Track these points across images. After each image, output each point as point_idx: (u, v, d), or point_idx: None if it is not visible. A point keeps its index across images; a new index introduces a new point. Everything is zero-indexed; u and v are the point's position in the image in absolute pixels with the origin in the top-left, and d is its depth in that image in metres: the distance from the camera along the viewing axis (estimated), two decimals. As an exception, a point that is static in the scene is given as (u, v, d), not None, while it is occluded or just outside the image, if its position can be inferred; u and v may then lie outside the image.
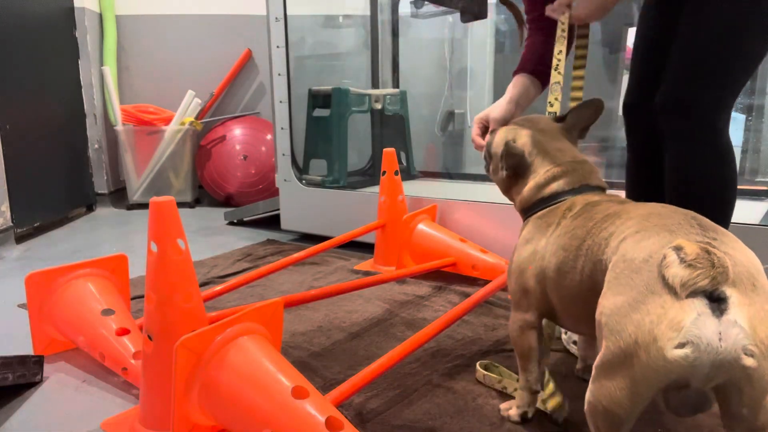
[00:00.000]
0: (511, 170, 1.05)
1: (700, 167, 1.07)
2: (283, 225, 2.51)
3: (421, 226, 1.93)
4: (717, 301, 0.62)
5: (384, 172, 2.00)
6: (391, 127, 2.81)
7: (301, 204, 2.43)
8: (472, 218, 1.70)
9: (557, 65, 1.15)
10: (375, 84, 2.98)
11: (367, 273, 1.95)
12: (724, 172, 1.08)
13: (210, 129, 3.45)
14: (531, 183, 1.02)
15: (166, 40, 3.56)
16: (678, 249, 0.65)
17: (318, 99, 2.54)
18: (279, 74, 2.39)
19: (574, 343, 1.25)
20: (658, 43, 1.21)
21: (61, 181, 2.95)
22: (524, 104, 1.25)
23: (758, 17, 1.05)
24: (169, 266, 0.96)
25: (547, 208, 0.98)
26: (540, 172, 1.01)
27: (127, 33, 3.54)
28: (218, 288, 1.48)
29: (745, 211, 1.71)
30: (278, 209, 2.53)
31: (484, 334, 1.41)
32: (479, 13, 1.62)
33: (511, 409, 1.03)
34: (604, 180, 1.03)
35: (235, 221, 2.91)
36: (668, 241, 0.68)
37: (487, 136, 1.16)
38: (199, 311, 1.01)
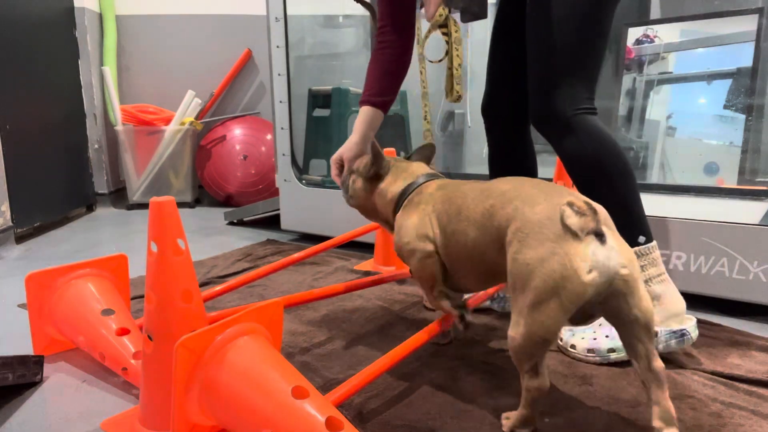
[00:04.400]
0: (374, 169, 1.26)
1: (579, 156, 1.22)
2: (283, 225, 2.51)
3: (421, 226, 1.93)
4: (600, 236, 0.86)
5: (384, 172, 2.00)
6: (391, 127, 2.81)
7: (301, 204, 2.44)
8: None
9: (424, 86, 1.37)
10: (375, 84, 2.98)
11: (367, 273, 1.95)
12: (600, 152, 1.20)
13: (210, 129, 3.45)
14: (388, 187, 1.24)
15: (166, 40, 3.56)
16: (571, 205, 0.87)
17: (318, 99, 2.55)
18: (279, 74, 2.39)
19: (572, 347, 1.26)
20: (504, 49, 1.42)
21: (61, 181, 2.95)
22: (372, 136, 1.40)
23: (587, 9, 1.18)
24: (169, 266, 0.96)
25: (409, 196, 1.19)
26: (389, 179, 1.25)
27: (127, 33, 3.54)
28: (218, 288, 1.48)
29: (745, 211, 1.71)
30: (278, 209, 2.53)
31: (484, 334, 1.41)
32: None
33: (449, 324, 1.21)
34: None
35: (235, 221, 2.91)
36: (556, 202, 0.90)
37: (343, 175, 1.37)
38: (199, 311, 1.01)
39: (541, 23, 1.22)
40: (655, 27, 2.57)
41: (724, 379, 1.16)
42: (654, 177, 2.54)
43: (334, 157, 1.42)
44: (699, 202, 1.93)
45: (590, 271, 0.84)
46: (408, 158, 1.34)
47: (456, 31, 1.37)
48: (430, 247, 1.11)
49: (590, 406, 1.06)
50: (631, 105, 2.63)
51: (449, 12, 1.35)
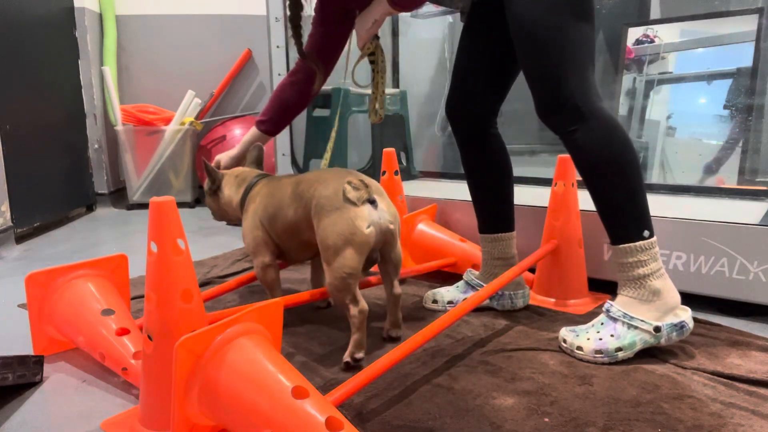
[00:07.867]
0: (212, 183, 1.57)
1: (592, 145, 1.22)
2: (283, 225, 2.51)
3: (421, 226, 1.93)
4: (372, 203, 1.21)
5: (384, 172, 2.00)
6: (391, 127, 2.81)
7: (301, 204, 2.43)
8: (472, 218, 1.71)
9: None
10: (375, 84, 2.97)
11: (366, 273, 1.95)
12: (613, 141, 1.21)
13: (210, 129, 3.45)
14: (230, 197, 1.54)
15: (166, 40, 3.56)
16: (350, 182, 1.21)
17: (318, 99, 2.54)
18: (279, 74, 2.39)
19: (579, 349, 1.25)
20: (474, 45, 1.45)
21: (61, 181, 2.95)
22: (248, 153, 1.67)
23: (565, 4, 1.20)
24: (169, 266, 0.96)
25: (247, 199, 1.47)
26: (228, 190, 1.55)
27: (127, 33, 3.54)
28: (218, 288, 1.48)
29: (745, 211, 1.71)
30: (278, 209, 2.53)
31: (484, 334, 1.41)
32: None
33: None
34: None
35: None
36: (341, 182, 1.21)
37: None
38: (199, 311, 1.01)
39: (528, 16, 1.22)
40: (655, 27, 2.57)
41: (724, 379, 1.16)
42: (654, 177, 2.54)
43: (216, 158, 1.69)
44: (699, 202, 1.93)
45: (369, 227, 1.19)
46: (243, 165, 1.63)
47: (382, 61, 1.54)
48: (267, 258, 1.41)
49: (590, 406, 1.06)
50: (631, 105, 2.63)
51: (377, 42, 1.49)
